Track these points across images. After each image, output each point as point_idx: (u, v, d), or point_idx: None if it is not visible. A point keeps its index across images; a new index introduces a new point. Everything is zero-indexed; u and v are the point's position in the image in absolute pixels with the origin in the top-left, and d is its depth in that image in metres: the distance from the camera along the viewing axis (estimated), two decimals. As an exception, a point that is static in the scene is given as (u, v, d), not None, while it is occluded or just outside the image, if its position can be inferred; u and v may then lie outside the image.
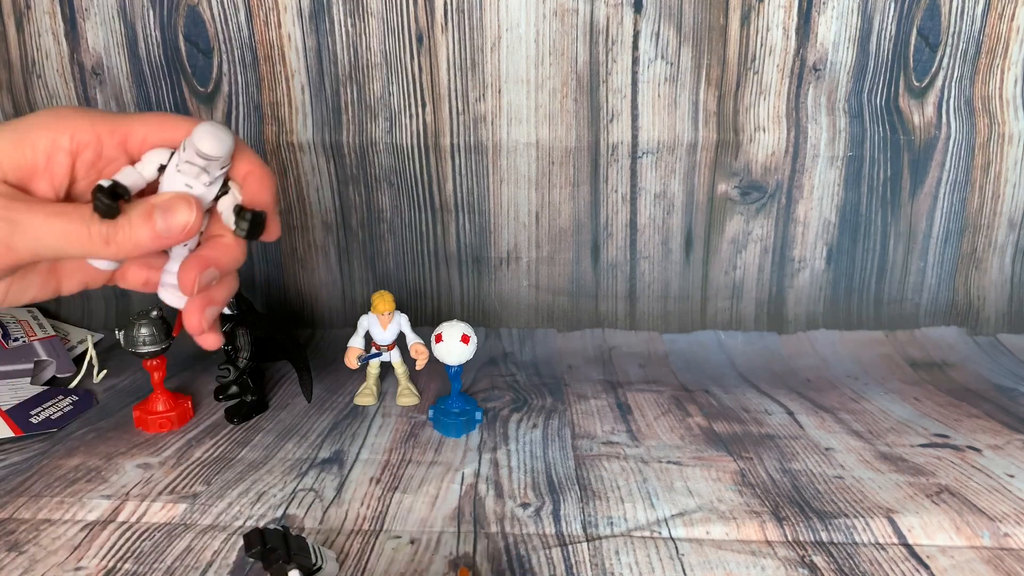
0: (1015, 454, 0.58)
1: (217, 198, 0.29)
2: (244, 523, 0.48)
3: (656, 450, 0.59)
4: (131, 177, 0.28)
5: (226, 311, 0.65)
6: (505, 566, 0.44)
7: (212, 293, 0.30)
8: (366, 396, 0.68)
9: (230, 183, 0.29)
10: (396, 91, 0.80)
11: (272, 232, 0.31)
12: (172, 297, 0.30)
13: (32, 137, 0.26)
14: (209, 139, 0.27)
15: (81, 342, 0.82)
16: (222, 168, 0.29)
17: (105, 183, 0.26)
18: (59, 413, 0.64)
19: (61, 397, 0.67)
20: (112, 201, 0.26)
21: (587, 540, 0.46)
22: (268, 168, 0.31)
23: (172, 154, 0.28)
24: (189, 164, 0.28)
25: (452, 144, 0.82)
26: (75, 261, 0.29)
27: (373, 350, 0.68)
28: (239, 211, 0.28)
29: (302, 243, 0.87)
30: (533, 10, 0.77)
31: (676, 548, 0.46)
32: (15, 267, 0.26)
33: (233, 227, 0.29)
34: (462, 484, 0.53)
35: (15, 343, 0.75)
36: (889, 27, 0.77)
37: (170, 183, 0.28)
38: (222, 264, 0.29)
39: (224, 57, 0.80)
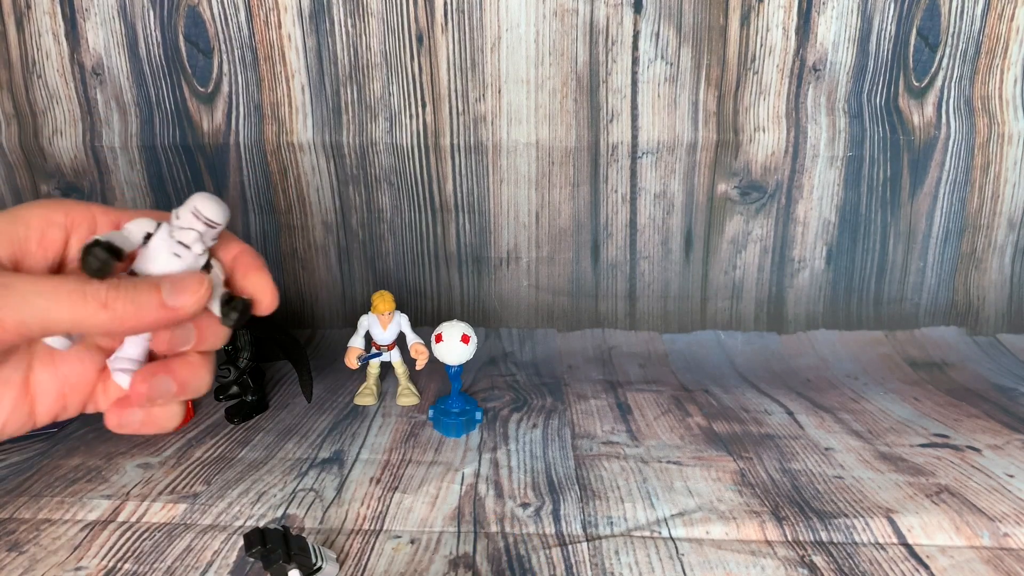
0: (1015, 454, 0.58)
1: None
2: (244, 523, 0.48)
3: (656, 450, 0.59)
4: (120, 238, 0.26)
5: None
6: (505, 566, 0.44)
7: (176, 370, 0.27)
8: (366, 396, 0.68)
9: (212, 262, 0.28)
10: (396, 91, 0.80)
11: (267, 302, 0.30)
12: (123, 380, 0.28)
13: (25, 214, 0.26)
14: (212, 203, 0.27)
15: (81, 342, 0.82)
16: (212, 240, 0.28)
17: (101, 238, 0.25)
18: (59, 413, 0.64)
19: None
20: (107, 256, 0.24)
21: (587, 540, 0.46)
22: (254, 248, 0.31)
23: (159, 225, 0.27)
24: (186, 230, 0.27)
25: (452, 144, 0.82)
26: (50, 376, 0.27)
27: (373, 350, 0.68)
28: (227, 300, 0.27)
29: (302, 243, 0.87)
30: (533, 10, 0.77)
31: (676, 548, 0.46)
32: (4, 338, 0.23)
33: (219, 314, 0.27)
34: (462, 484, 0.53)
35: (15, 343, 0.75)
36: (889, 27, 0.77)
37: (155, 253, 0.27)
38: (183, 382, 0.27)
39: (224, 57, 0.80)
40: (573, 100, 0.80)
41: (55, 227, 0.26)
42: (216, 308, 0.27)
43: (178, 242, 0.27)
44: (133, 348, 0.28)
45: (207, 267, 0.28)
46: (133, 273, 0.27)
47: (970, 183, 0.82)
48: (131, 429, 0.27)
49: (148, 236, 0.27)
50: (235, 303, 0.27)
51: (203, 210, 0.27)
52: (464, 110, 0.80)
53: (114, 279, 0.24)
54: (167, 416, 0.27)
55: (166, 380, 0.27)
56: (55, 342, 0.26)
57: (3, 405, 0.26)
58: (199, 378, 0.27)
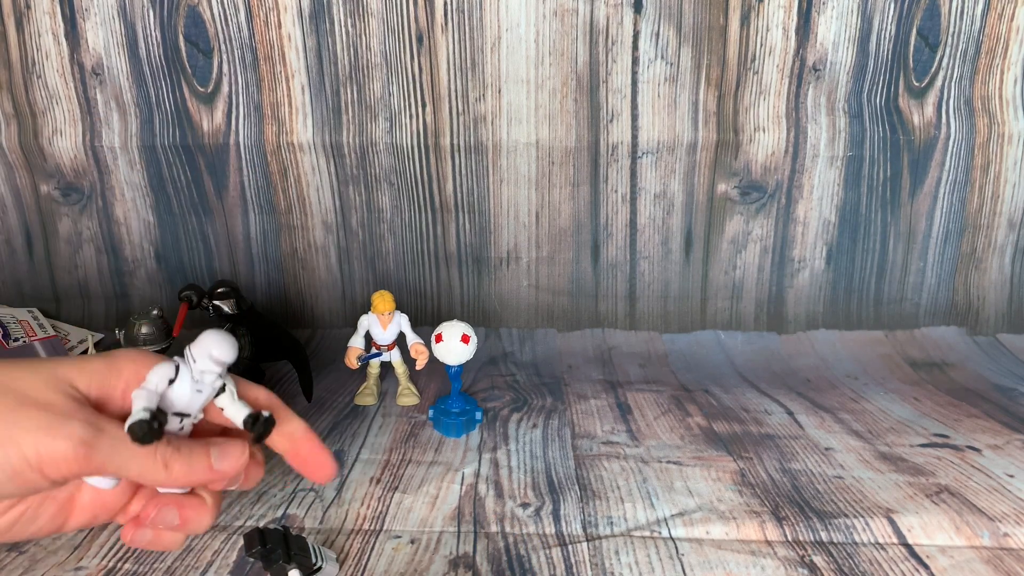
0: (1015, 454, 0.58)
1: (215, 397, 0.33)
2: (244, 523, 0.48)
3: (656, 450, 0.59)
4: (152, 399, 0.30)
5: (226, 311, 0.65)
6: (505, 566, 0.44)
7: (184, 505, 0.32)
8: (366, 396, 0.68)
9: (226, 381, 0.32)
10: (396, 91, 0.80)
11: (327, 477, 0.35)
12: (101, 483, 0.31)
13: (120, 364, 0.30)
14: (224, 347, 0.31)
15: (81, 342, 0.82)
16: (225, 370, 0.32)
17: (144, 416, 0.28)
18: (59, 413, 0.64)
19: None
20: (154, 425, 0.28)
21: (587, 540, 0.46)
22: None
23: (177, 368, 0.31)
24: (206, 372, 0.31)
25: (452, 144, 0.82)
26: (92, 496, 0.31)
27: (373, 350, 0.68)
28: (253, 419, 0.31)
29: (302, 243, 0.87)
30: (533, 10, 0.77)
31: (676, 548, 0.46)
32: (84, 472, 0.27)
33: (240, 426, 0.32)
34: (462, 484, 0.53)
35: (15, 343, 0.75)
36: (889, 27, 0.77)
37: (180, 394, 0.31)
38: (187, 519, 0.31)
39: (224, 57, 0.80)
40: (573, 100, 0.80)
41: (144, 370, 0.30)
42: (236, 418, 0.32)
43: (198, 381, 0.31)
44: None
45: (222, 388, 0.32)
46: (163, 411, 0.31)
47: (970, 183, 0.82)
48: (140, 544, 0.31)
49: (171, 380, 0.31)
50: (260, 421, 0.31)
51: (218, 356, 0.31)
52: (464, 110, 0.80)
53: (176, 442, 0.29)
54: (172, 540, 0.32)
55: (171, 512, 0.31)
56: (102, 483, 0.31)
57: (42, 516, 0.30)
58: (201, 518, 0.31)
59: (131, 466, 0.28)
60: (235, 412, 0.32)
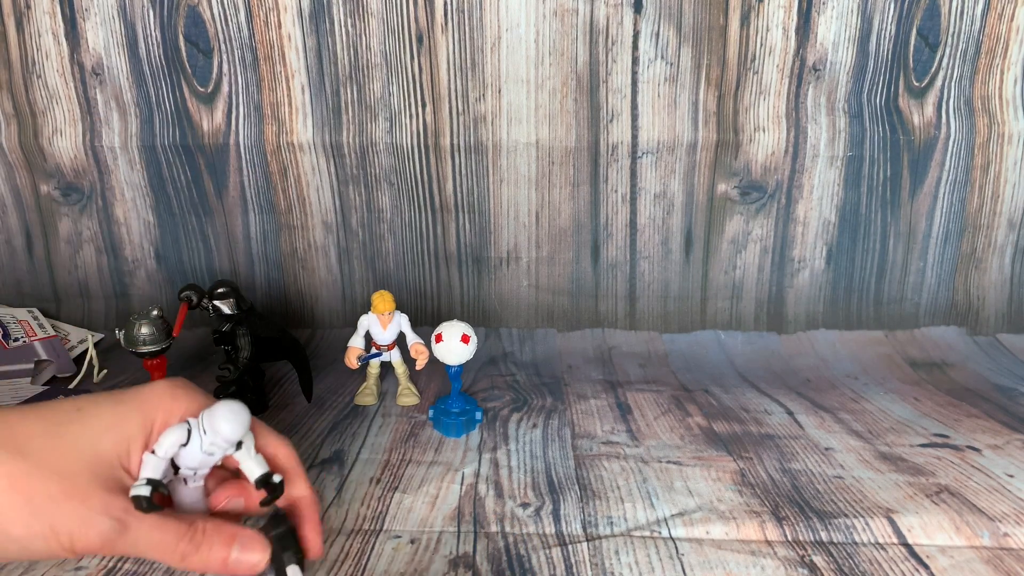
0: (1015, 454, 0.58)
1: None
2: (243, 522, 0.48)
3: (656, 450, 0.59)
4: (159, 468, 0.31)
5: (226, 311, 0.65)
6: (505, 566, 0.44)
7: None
8: (366, 396, 0.68)
9: (242, 442, 0.34)
10: (396, 91, 0.80)
11: (314, 553, 0.36)
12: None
13: (152, 415, 0.32)
14: (233, 426, 0.32)
15: (81, 342, 0.82)
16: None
17: (144, 492, 0.30)
18: (59, 413, 0.64)
19: (62, 397, 0.67)
20: (150, 506, 0.30)
21: (587, 540, 0.46)
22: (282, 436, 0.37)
23: (189, 433, 0.32)
24: (216, 446, 0.32)
25: (452, 144, 0.82)
26: None
27: (373, 350, 0.68)
28: (264, 481, 0.33)
29: (302, 243, 0.87)
30: (533, 10, 0.77)
31: (676, 548, 0.46)
32: (109, 554, 0.32)
33: (252, 480, 0.33)
34: (462, 484, 0.53)
35: (15, 343, 0.75)
36: (889, 27, 0.77)
37: (191, 457, 0.32)
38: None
39: (224, 57, 0.80)
40: (573, 100, 0.80)
41: (174, 417, 0.33)
42: (251, 474, 0.33)
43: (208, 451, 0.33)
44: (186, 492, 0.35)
45: (238, 445, 0.33)
46: (176, 466, 0.33)
47: (970, 183, 0.82)
48: None
49: (183, 445, 0.32)
50: (273, 486, 0.33)
51: (228, 435, 0.32)
52: (464, 110, 0.80)
53: (199, 526, 0.31)
54: None
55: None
56: None
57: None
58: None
59: (151, 555, 0.30)
60: (250, 468, 0.33)
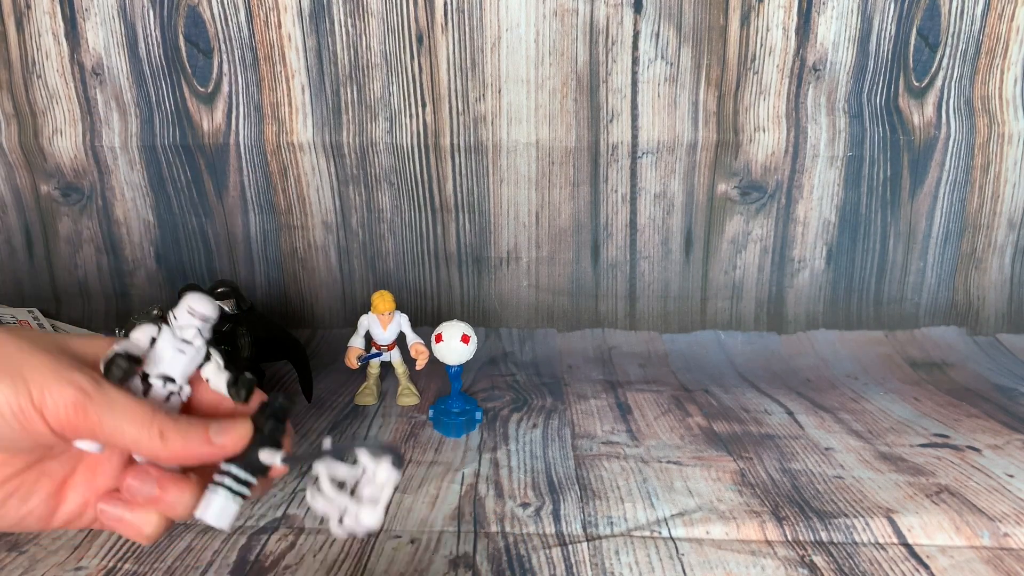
0: (1015, 454, 0.58)
1: (200, 367, 0.32)
2: (244, 523, 0.48)
3: (656, 450, 0.59)
4: (133, 346, 0.30)
5: (226, 311, 0.65)
6: (505, 566, 0.44)
7: (166, 483, 0.30)
8: (366, 396, 0.68)
9: (211, 350, 0.32)
10: (396, 91, 0.80)
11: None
12: (87, 446, 0.30)
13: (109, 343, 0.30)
14: (204, 301, 0.31)
15: (81, 342, 0.82)
16: (208, 334, 0.32)
17: (119, 349, 0.29)
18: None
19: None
20: (128, 364, 0.29)
21: (587, 540, 0.46)
22: None
23: (160, 329, 0.31)
24: (186, 327, 0.31)
25: (452, 144, 0.82)
26: (85, 479, 0.30)
27: (373, 350, 0.68)
28: (235, 379, 0.31)
29: (302, 243, 0.87)
30: (533, 10, 0.77)
31: (676, 548, 0.46)
32: (80, 425, 0.27)
33: (226, 393, 0.31)
34: (462, 484, 0.53)
35: (15, 343, 0.75)
36: (889, 27, 0.77)
37: (162, 353, 0.31)
38: (165, 493, 0.29)
39: (224, 57, 0.80)
40: (573, 100, 0.80)
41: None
42: (221, 387, 0.31)
43: (181, 339, 0.31)
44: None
45: (207, 356, 0.32)
46: (146, 375, 0.31)
47: (970, 183, 0.82)
48: (111, 521, 0.30)
49: (153, 340, 0.31)
50: (242, 381, 0.31)
51: (197, 308, 0.31)
52: (464, 110, 0.80)
53: (175, 415, 0.29)
54: (146, 523, 0.30)
55: (149, 481, 0.29)
56: (89, 446, 0.30)
57: (36, 496, 0.29)
58: (182, 498, 0.29)
59: (125, 429, 0.27)
60: (221, 382, 0.32)
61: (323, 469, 0.30)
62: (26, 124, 0.84)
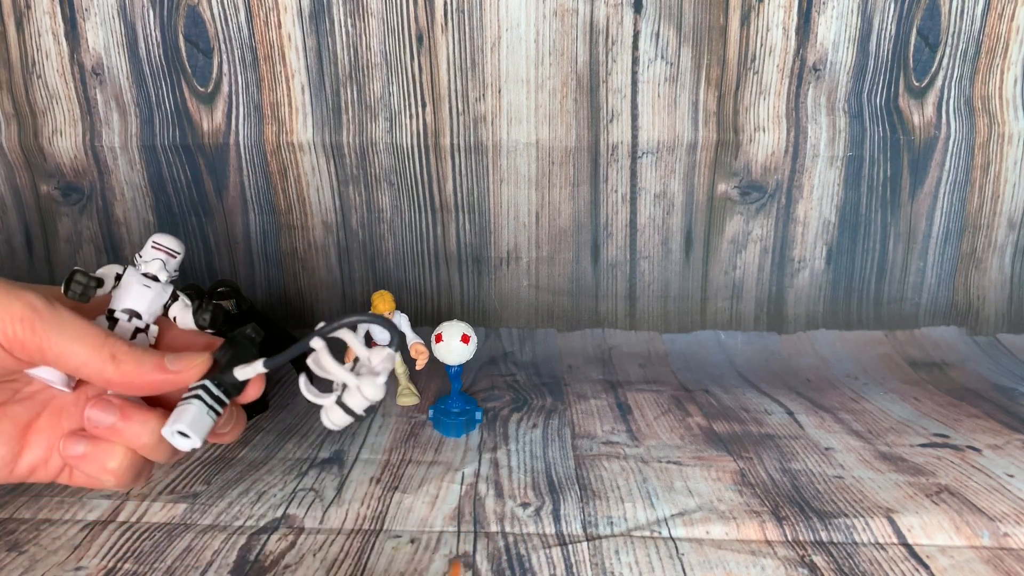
0: (1015, 454, 0.58)
1: (167, 307, 0.32)
2: (244, 523, 0.48)
3: (656, 450, 0.59)
4: (97, 273, 0.30)
5: (227, 309, 0.65)
6: (505, 566, 0.44)
7: (128, 411, 0.29)
8: (366, 396, 0.68)
9: (179, 292, 0.31)
10: (396, 91, 0.80)
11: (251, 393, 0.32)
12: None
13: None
14: (169, 235, 0.31)
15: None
16: (174, 271, 0.32)
17: (80, 268, 0.28)
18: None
19: None
20: (88, 280, 0.28)
21: (587, 540, 0.46)
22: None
23: (126, 268, 0.31)
24: (150, 261, 0.31)
25: (452, 144, 0.82)
26: (48, 423, 0.29)
27: (373, 350, 0.68)
28: (199, 306, 0.30)
29: (302, 243, 0.87)
30: (533, 10, 0.77)
31: (676, 548, 0.46)
32: (30, 342, 0.26)
33: (193, 326, 0.30)
34: (462, 484, 0.53)
35: (15, 343, 0.75)
36: (889, 27, 0.77)
37: (127, 288, 0.30)
38: (127, 423, 0.28)
39: (224, 57, 0.80)
40: (573, 100, 0.80)
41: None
42: (188, 322, 0.31)
43: (144, 274, 0.31)
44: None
45: (174, 296, 0.31)
46: (112, 311, 0.30)
47: (970, 183, 0.82)
48: (74, 458, 0.28)
49: (118, 276, 0.30)
50: (206, 306, 0.30)
51: (161, 241, 0.31)
52: (464, 110, 0.80)
53: (129, 342, 0.28)
54: (107, 455, 0.28)
55: (111, 408, 0.28)
56: (55, 378, 0.29)
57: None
58: (145, 427, 0.28)
59: (75, 349, 0.26)
60: (188, 318, 0.31)
61: (317, 357, 0.29)
62: (26, 124, 0.84)
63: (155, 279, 0.31)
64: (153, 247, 0.31)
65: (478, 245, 0.86)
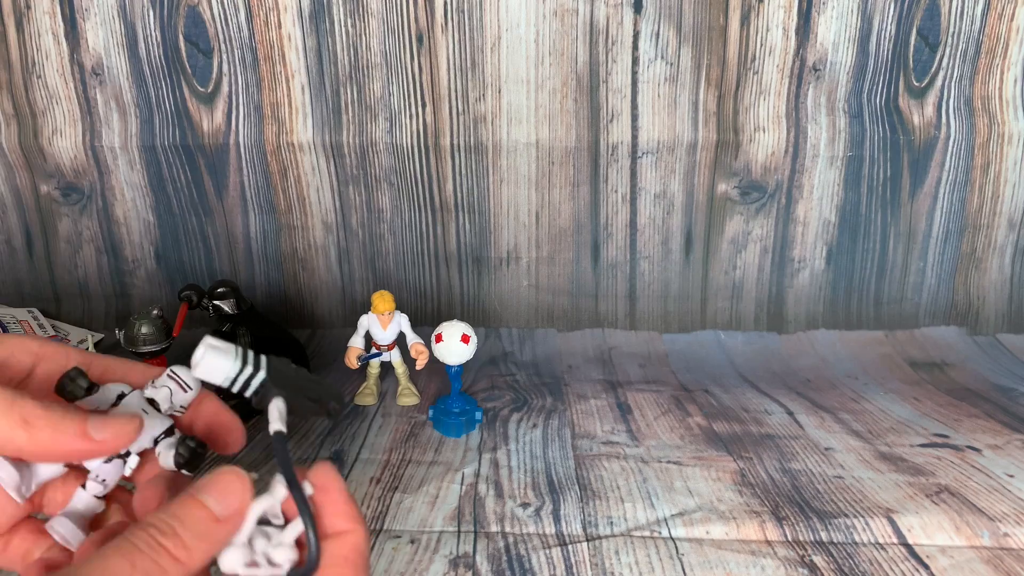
0: (1015, 454, 0.58)
1: (158, 440, 0.27)
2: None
3: (656, 450, 0.59)
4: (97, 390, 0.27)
5: (226, 311, 0.65)
6: (505, 566, 0.44)
7: None
8: (366, 396, 0.68)
9: (175, 429, 0.28)
10: (396, 91, 0.80)
11: (235, 440, 0.29)
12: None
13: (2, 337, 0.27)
14: (186, 368, 0.27)
15: (81, 342, 0.82)
16: (181, 408, 0.29)
17: (81, 371, 0.26)
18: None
19: None
20: (79, 381, 0.25)
21: (587, 540, 0.46)
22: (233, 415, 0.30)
23: (133, 390, 0.28)
24: (159, 388, 0.28)
25: (452, 144, 0.82)
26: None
27: (373, 350, 0.68)
28: (181, 439, 0.26)
29: (302, 243, 0.87)
30: (533, 10, 0.77)
31: (676, 548, 0.46)
32: None
33: (171, 461, 0.26)
34: (462, 484, 0.53)
35: (15, 343, 0.75)
36: (889, 27, 0.77)
37: (124, 410, 0.27)
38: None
39: (224, 57, 0.80)
40: (573, 100, 0.80)
41: (26, 353, 0.27)
42: (168, 460, 0.27)
43: (148, 399, 0.27)
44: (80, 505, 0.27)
45: (169, 431, 0.27)
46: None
47: (970, 183, 0.82)
48: None
49: (122, 395, 0.27)
50: (187, 440, 0.26)
51: (178, 372, 0.28)
52: (464, 110, 0.80)
53: (46, 403, 0.24)
54: None
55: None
56: (5, 479, 0.25)
57: None
58: None
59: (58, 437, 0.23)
60: (170, 458, 0.27)
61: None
62: (26, 124, 0.84)
63: (156, 408, 0.28)
64: (168, 376, 0.28)
65: (478, 245, 0.86)
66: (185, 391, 0.28)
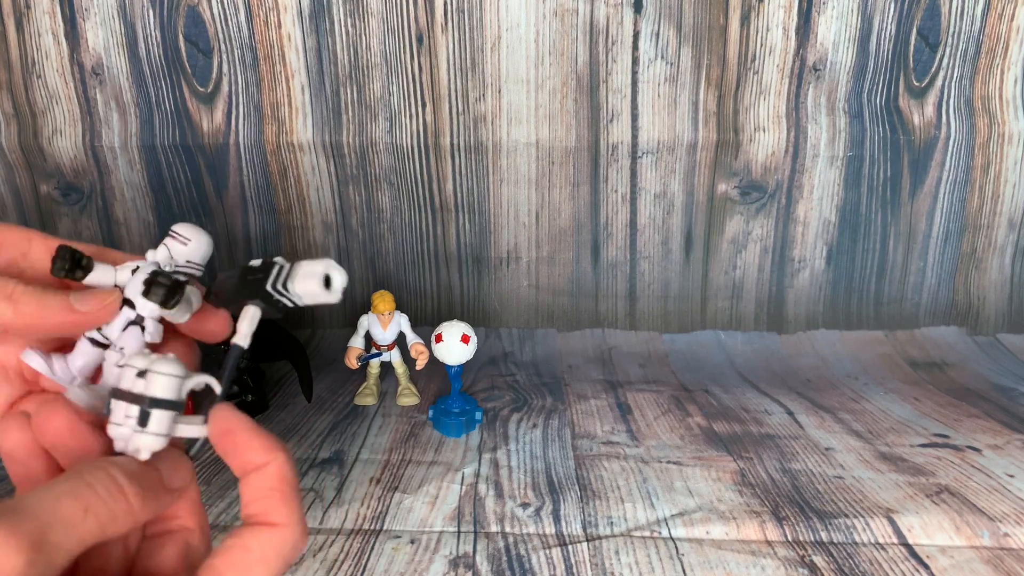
0: (1015, 454, 0.58)
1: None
2: (244, 523, 0.48)
3: (656, 450, 0.59)
4: (101, 271, 0.26)
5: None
6: (505, 566, 0.44)
7: None
8: (366, 396, 0.68)
9: (189, 288, 0.27)
10: (396, 91, 0.80)
11: (219, 326, 0.29)
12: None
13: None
14: (187, 224, 0.27)
15: (81, 342, 0.82)
16: (189, 263, 0.28)
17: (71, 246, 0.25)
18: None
19: None
20: (75, 261, 0.25)
21: (587, 540, 0.46)
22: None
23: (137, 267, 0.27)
24: (158, 249, 0.28)
25: (452, 144, 0.82)
26: None
27: (373, 350, 0.68)
28: (153, 277, 0.26)
29: (302, 243, 0.87)
30: (533, 10, 0.77)
31: (676, 548, 0.46)
32: None
33: (143, 296, 0.26)
34: (462, 484, 0.53)
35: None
36: (889, 27, 0.77)
37: (133, 282, 0.27)
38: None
39: (224, 57, 0.80)
40: (573, 100, 0.80)
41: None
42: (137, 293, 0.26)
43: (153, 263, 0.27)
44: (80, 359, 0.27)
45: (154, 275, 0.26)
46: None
47: (970, 183, 0.82)
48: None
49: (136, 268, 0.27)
50: (160, 279, 0.25)
51: (177, 228, 0.27)
52: (464, 110, 0.80)
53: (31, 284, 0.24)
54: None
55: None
56: (58, 370, 0.26)
57: None
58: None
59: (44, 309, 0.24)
60: (134, 289, 0.26)
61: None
62: (26, 124, 0.84)
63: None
64: (169, 235, 0.28)
65: (478, 245, 0.86)
66: (184, 244, 0.28)
